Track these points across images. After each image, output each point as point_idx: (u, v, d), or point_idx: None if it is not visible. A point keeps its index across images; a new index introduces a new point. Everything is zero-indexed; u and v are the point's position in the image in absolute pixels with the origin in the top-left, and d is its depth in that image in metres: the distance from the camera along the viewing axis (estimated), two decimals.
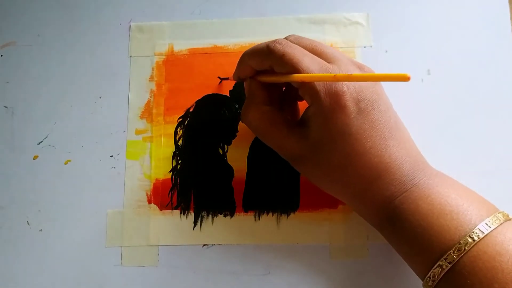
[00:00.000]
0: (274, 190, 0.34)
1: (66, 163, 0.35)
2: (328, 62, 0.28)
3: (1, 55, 0.38)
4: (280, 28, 0.37)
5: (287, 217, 0.33)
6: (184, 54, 0.37)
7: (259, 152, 0.34)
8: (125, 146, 0.35)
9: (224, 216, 0.34)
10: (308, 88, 0.27)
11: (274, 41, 0.29)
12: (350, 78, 0.25)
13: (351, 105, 0.27)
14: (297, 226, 0.33)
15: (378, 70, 0.35)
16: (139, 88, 0.36)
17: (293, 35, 0.30)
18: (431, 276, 0.25)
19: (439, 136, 0.34)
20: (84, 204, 0.34)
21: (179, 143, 0.35)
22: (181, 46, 0.37)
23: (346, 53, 0.36)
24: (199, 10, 0.38)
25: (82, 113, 0.36)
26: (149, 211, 0.34)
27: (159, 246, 0.33)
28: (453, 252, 0.24)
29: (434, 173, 0.28)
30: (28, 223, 0.34)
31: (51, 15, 0.38)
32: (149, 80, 0.36)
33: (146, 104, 0.36)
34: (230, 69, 0.36)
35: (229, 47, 0.37)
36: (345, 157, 0.27)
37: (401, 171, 0.27)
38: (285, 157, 0.30)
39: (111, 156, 0.35)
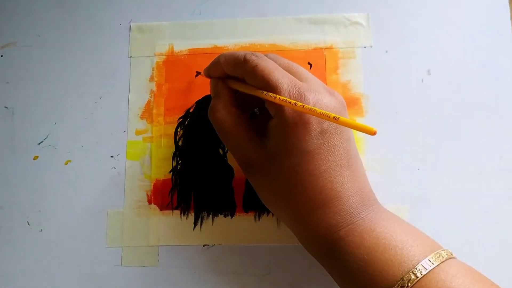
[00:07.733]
0: None
1: (66, 164, 0.35)
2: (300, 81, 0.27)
3: (1, 55, 0.38)
4: (280, 28, 0.37)
5: None
6: (184, 54, 0.37)
7: None
8: (125, 146, 0.35)
9: (224, 216, 0.34)
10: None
11: (252, 52, 0.29)
12: (315, 113, 0.25)
13: (314, 123, 0.26)
14: None
15: (378, 70, 0.35)
16: (139, 88, 0.36)
17: (273, 54, 0.30)
18: None
19: (439, 136, 0.34)
20: (84, 204, 0.35)
21: (179, 144, 0.35)
22: (181, 46, 0.37)
23: (346, 53, 0.36)
24: (199, 10, 0.38)
25: (82, 113, 0.36)
26: (149, 211, 0.34)
27: (159, 246, 0.33)
28: None
29: (382, 210, 0.27)
30: (28, 223, 0.34)
31: (51, 15, 0.38)
32: (149, 80, 0.36)
33: (146, 104, 0.36)
34: None
35: (229, 47, 0.37)
36: (297, 173, 0.26)
37: (349, 203, 0.26)
38: (239, 161, 0.30)
39: (111, 157, 0.35)
